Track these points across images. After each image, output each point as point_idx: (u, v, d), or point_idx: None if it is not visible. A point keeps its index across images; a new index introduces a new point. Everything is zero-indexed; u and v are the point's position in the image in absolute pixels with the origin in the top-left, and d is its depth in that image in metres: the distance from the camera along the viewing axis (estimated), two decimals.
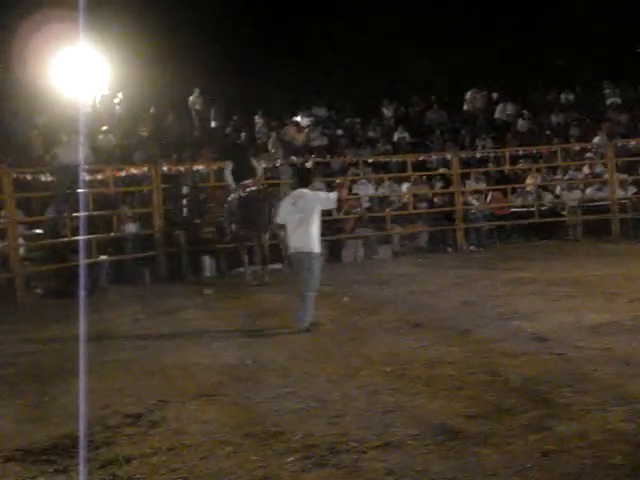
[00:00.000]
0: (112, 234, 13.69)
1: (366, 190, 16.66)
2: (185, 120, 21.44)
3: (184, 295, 11.95)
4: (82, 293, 12.07)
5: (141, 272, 13.77)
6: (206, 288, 12.27)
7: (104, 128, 18.87)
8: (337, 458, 4.52)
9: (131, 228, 14.16)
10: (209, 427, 5.23)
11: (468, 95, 22.78)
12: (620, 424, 4.77)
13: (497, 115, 22.06)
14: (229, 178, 12.94)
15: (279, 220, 9.11)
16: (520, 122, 21.28)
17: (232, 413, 5.53)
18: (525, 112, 21.52)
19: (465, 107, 22.83)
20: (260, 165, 13.60)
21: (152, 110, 20.86)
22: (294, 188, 9.14)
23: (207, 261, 14.14)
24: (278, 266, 13.35)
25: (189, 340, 8.40)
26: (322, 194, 9.24)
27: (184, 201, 14.17)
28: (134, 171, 14.79)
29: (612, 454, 4.33)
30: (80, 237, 12.44)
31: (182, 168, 15.07)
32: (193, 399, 5.94)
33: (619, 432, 4.64)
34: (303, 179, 9.12)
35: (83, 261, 12.31)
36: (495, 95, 22.79)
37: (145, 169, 14.60)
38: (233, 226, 12.92)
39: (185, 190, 14.29)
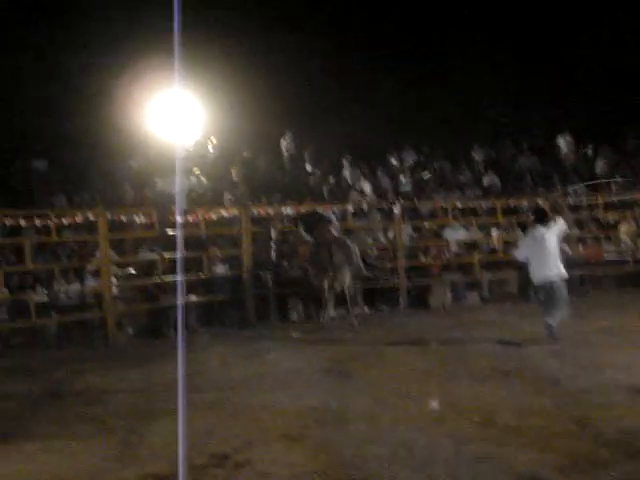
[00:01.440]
0: (202, 275, 13.90)
1: (455, 235, 16.53)
2: (276, 163, 21.75)
3: (271, 337, 12.02)
4: (173, 334, 12.35)
5: (230, 313, 13.92)
6: (293, 331, 12.31)
7: (196, 171, 19.30)
8: None
9: (221, 269, 14.36)
10: (293, 470, 5.21)
11: (560, 141, 22.46)
12: None
13: (597, 170, 21.56)
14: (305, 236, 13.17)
15: (519, 257, 10.63)
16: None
17: (317, 457, 5.50)
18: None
19: (558, 153, 22.51)
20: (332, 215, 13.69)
21: (244, 153, 21.24)
22: (532, 226, 10.66)
23: (294, 303, 14.20)
24: (364, 310, 13.34)
25: (275, 382, 8.42)
26: (555, 227, 10.47)
27: (272, 243, 14.31)
28: (224, 213, 15.04)
29: None
30: (172, 278, 12.72)
31: (271, 211, 15.25)
32: (278, 441, 5.94)
33: None
34: (539, 216, 10.61)
35: (174, 302, 12.56)
36: (589, 149, 22.28)
37: (235, 211, 14.84)
38: (309, 270, 13.07)
39: (273, 233, 14.45)
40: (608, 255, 16.23)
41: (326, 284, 12.71)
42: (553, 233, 10.37)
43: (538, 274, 10.31)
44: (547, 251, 10.22)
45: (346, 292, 12.74)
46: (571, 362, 8.62)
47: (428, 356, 9.56)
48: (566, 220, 11.40)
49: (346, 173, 20.49)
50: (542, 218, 10.59)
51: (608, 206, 17.04)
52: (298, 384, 8.18)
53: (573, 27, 24.28)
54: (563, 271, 10.24)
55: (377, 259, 14.32)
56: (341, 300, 13.03)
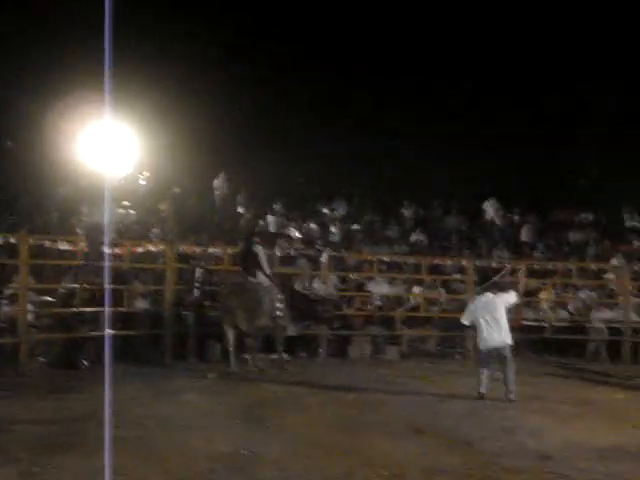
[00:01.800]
0: (122, 309, 13.67)
1: (379, 288, 16.64)
2: (207, 202, 21.66)
3: (187, 377, 11.85)
4: (87, 366, 12.09)
5: (147, 350, 13.68)
6: (210, 372, 12.16)
7: (125, 203, 19.09)
8: None
9: (141, 304, 14.15)
10: None
11: (486, 205, 22.90)
12: None
13: (523, 237, 21.99)
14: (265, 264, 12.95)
15: (465, 322, 10.86)
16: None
17: None
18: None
19: (485, 217, 22.95)
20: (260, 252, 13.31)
21: (175, 189, 21.10)
22: (481, 292, 10.89)
23: (213, 345, 14.03)
24: (282, 356, 13.28)
25: (187, 423, 8.28)
26: (505, 296, 10.70)
27: (196, 283, 14.20)
28: (151, 248, 14.89)
29: None
30: (91, 309, 12.49)
31: (197, 249, 15.15)
32: None
33: None
34: (493, 287, 10.80)
35: (91, 333, 12.32)
36: (517, 215, 22.76)
37: (161, 247, 14.69)
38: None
39: (198, 272, 14.34)
40: (526, 321, 16.49)
41: (226, 327, 12.60)
42: (502, 301, 10.63)
43: (485, 340, 10.51)
44: (495, 317, 10.47)
45: (253, 336, 12.69)
46: (484, 424, 8.70)
47: (344, 407, 9.54)
48: (518, 290, 11.73)
49: (270, 220, 20.42)
50: (494, 288, 10.81)
51: (530, 273, 17.37)
52: (211, 427, 8.06)
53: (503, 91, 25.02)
54: (509, 338, 10.52)
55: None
56: (269, 346, 12.99)
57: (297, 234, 19.34)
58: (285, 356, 13.31)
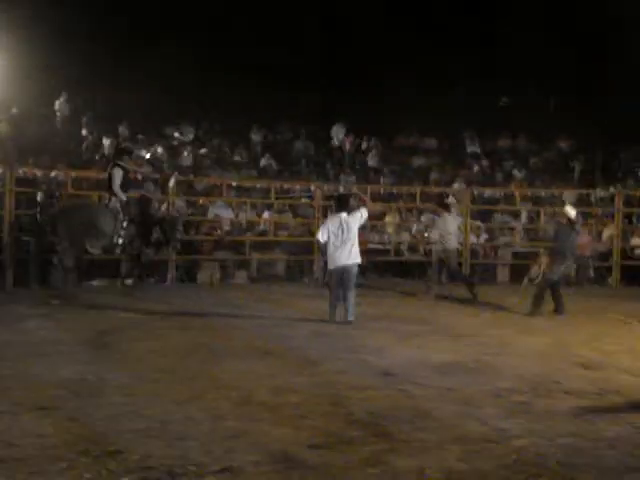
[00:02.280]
0: None
1: (227, 213, 16.59)
2: (47, 124, 20.80)
3: (29, 304, 11.50)
4: None
5: None
6: (53, 299, 11.83)
7: None
8: None
9: None
10: (43, 441, 5.01)
11: (334, 130, 23.12)
12: (456, 463, 4.88)
13: (369, 161, 22.32)
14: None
15: (321, 239, 10.68)
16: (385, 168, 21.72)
17: (68, 429, 5.32)
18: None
19: (333, 142, 23.16)
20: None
21: (14, 110, 20.13)
22: (334, 212, 11.09)
23: (56, 271, 13.63)
24: (129, 281, 13.10)
25: (30, 351, 8.06)
26: (357, 214, 10.76)
27: (38, 208, 13.69)
28: None
29: None
30: None
31: (39, 173, 14.58)
32: (28, 411, 5.69)
33: (455, 471, 4.74)
34: (342, 204, 10.90)
35: None
36: (364, 141, 23.04)
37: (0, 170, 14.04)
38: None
39: (40, 197, 13.82)
40: (372, 244, 16.92)
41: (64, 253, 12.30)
42: (355, 220, 10.69)
43: (334, 259, 10.62)
44: (346, 237, 10.55)
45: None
46: (330, 344, 8.92)
47: (191, 332, 9.54)
48: (371, 209, 11.80)
49: (106, 142, 19.80)
50: (344, 205, 10.89)
51: (375, 197, 17.75)
52: (54, 354, 7.88)
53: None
54: (359, 258, 10.69)
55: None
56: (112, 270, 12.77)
57: (146, 154, 18.93)
58: (129, 281, 13.13)
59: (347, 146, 22.71)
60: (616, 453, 5.17)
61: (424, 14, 25.36)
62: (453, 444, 5.22)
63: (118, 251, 12.52)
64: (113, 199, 12.27)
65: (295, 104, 23.62)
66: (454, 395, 6.59)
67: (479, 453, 5.07)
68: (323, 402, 6.21)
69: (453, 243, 13.77)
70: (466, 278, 14.40)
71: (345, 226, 10.57)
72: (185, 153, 20.25)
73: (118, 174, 12.29)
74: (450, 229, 13.74)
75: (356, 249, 10.64)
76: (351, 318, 10.49)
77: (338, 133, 23.08)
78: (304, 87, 23.95)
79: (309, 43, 24.99)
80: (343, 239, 10.55)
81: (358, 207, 11.20)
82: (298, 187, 17.89)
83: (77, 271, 12.67)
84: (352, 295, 10.59)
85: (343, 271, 10.60)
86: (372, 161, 22.19)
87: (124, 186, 12.37)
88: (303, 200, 17.50)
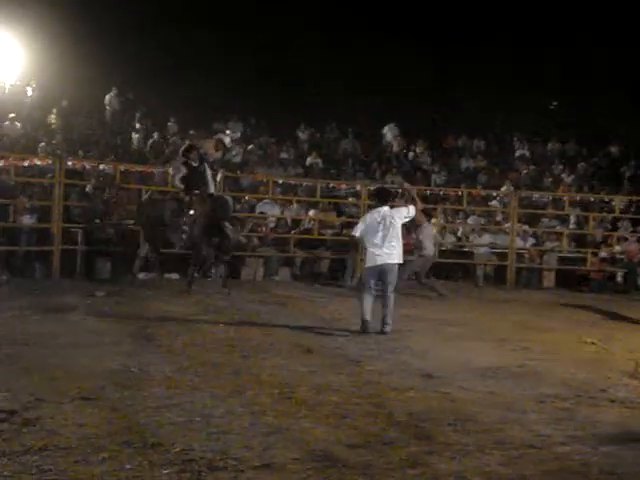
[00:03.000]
0: (7, 224, 13.27)
1: (272, 210, 16.62)
2: (97, 118, 21.04)
3: (75, 294, 11.63)
4: None
5: (33, 266, 13.35)
6: (99, 290, 11.96)
7: (11, 115, 18.36)
8: (214, 475, 4.42)
9: (28, 220, 13.74)
10: (85, 431, 5.06)
11: (385, 130, 23.07)
12: (497, 467, 4.82)
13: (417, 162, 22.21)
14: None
15: (356, 234, 9.81)
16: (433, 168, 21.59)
17: (111, 419, 5.36)
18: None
19: (384, 141, 23.10)
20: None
21: (64, 103, 20.39)
22: (374, 206, 10.03)
23: (102, 262, 13.79)
24: (175, 276, 13.20)
25: (74, 341, 8.15)
26: (403, 210, 9.96)
27: (89, 199, 13.87)
28: (38, 162, 14.41)
29: None
30: None
31: (88, 165, 14.75)
32: (72, 401, 5.75)
33: (496, 475, 4.69)
34: (383, 197, 9.97)
35: None
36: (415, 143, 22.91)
37: (49, 161, 14.23)
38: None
39: (89, 188, 13.98)
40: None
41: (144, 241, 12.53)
42: (399, 215, 9.82)
43: (372, 257, 9.70)
44: (387, 234, 9.58)
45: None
46: (372, 345, 8.87)
47: (234, 327, 9.57)
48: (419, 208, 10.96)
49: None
50: (384, 198, 10.00)
51: (422, 198, 17.63)
52: (98, 345, 7.96)
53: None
54: (400, 257, 9.77)
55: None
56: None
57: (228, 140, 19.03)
58: (175, 275, 13.24)
59: (395, 146, 22.62)
60: None
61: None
62: (494, 448, 5.16)
63: (181, 245, 12.62)
64: (182, 195, 12.40)
65: (343, 103, 23.62)
66: (496, 400, 6.52)
67: (520, 458, 5.00)
68: (363, 402, 6.18)
69: (432, 249, 13.92)
70: (426, 283, 14.13)
71: (387, 222, 9.58)
72: (233, 150, 20.33)
73: (182, 170, 12.38)
74: (431, 236, 13.96)
75: (399, 248, 9.66)
76: (388, 329, 9.51)
77: (389, 132, 23.00)
78: (355, 88, 23.95)
79: (357, 44, 24.95)
80: (384, 235, 9.56)
81: (406, 204, 10.37)
82: (344, 186, 17.89)
83: (149, 263, 12.82)
84: (391, 300, 9.64)
85: (382, 271, 9.62)
86: (420, 162, 22.09)
87: (191, 183, 12.39)
88: (349, 199, 17.47)
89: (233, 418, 5.53)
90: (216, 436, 5.10)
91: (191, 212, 12.20)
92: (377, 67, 24.78)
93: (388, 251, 9.57)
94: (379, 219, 9.65)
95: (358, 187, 17.06)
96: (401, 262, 9.83)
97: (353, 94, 23.80)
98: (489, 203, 18.50)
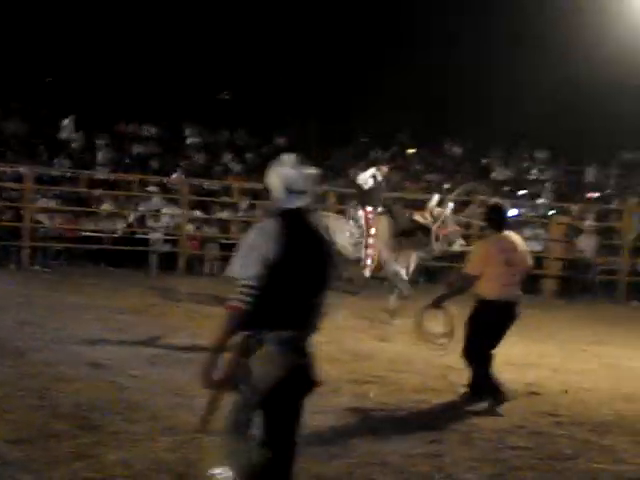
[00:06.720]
0: None
1: None
2: None
3: None
4: None
5: None
6: None
7: None
8: None
9: None
10: None
11: (64, 122, 22.02)
12: (164, 454, 4.86)
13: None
14: None
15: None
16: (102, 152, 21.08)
17: None
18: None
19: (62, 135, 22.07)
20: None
21: None
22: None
23: None
24: None
25: None
26: None
27: None
28: None
29: None
30: None
31: None
32: None
33: (163, 462, 4.72)
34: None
35: None
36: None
37: None
38: None
39: None
40: (85, 232, 16.33)
41: None
42: None
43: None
44: None
45: None
46: (38, 335, 8.50)
47: None
48: None
49: None
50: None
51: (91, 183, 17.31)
52: None
53: None
54: None
55: None
56: None
57: None
58: None
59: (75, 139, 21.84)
60: None
61: None
62: (163, 435, 5.27)
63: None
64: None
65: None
66: (166, 386, 6.57)
67: (189, 443, 5.02)
68: (28, 395, 6.00)
69: None
70: None
71: None
72: None
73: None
74: None
75: None
76: None
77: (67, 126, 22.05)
78: None
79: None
80: None
81: None
82: (8, 170, 16.94)
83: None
84: None
85: None
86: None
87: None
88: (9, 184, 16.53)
89: None
90: None
91: None
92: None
93: None
94: None
95: (22, 170, 16.19)
96: None
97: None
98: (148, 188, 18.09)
